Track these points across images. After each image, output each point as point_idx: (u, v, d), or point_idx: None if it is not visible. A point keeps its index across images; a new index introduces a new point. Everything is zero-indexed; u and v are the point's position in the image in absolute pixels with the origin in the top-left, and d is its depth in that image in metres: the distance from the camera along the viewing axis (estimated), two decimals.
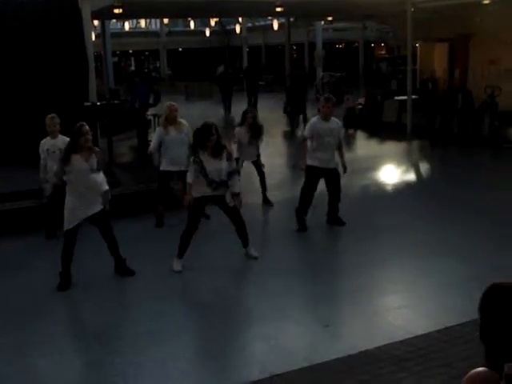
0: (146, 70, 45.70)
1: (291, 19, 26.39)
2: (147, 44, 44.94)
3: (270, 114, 23.94)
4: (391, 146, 17.43)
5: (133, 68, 49.24)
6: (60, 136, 8.93)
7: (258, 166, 10.89)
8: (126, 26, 36.60)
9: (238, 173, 8.51)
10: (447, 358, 5.42)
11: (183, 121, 9.97)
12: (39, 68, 11.92)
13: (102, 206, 7.43)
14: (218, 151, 7.67)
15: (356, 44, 41.00)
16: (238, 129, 10.79)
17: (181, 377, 5.41)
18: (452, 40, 20.22)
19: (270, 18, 32.70)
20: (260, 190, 10.96)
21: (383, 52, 38.68)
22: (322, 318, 6.39)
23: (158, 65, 48.87)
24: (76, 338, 6.56)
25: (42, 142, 9.14)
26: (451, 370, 5.20)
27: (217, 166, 7.65)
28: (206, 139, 7.62)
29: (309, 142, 9.33)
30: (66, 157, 7.30)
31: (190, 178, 7.79)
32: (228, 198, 7.81)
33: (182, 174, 8.80)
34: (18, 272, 8.06)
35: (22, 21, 11.89)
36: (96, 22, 26.53)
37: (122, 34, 38.62)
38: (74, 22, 12.38)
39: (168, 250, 8.23)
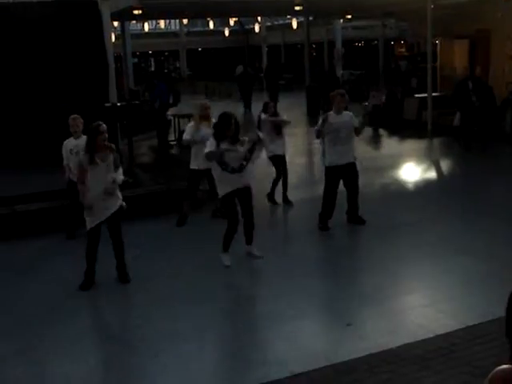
0: (166, 71, 45.86)
1: (310, 18, 26.33)
2: (167, 44, 45.13)
3: (291, 112, 23.94)
4: (412, 144, 17.35)
5: (152, 69, 49.43)
6: (83, 136, 8.98)
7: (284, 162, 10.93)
8: (146, 26, 36.74)
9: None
10: (469, 357, 5.39)
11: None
12: (60, 70, 12.03)
13: (118, 206, 7.43)
14: (236, 138, 7.77)
15: (375, 42, 40.81)
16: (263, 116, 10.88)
17: (202, 376, 5.44)
18: (472, 36, 20.07)
19: (289, 16, 32.70)
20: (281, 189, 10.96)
21: (403, 50, 38.46)
22: (343, 317, 6.38)
23: (177, 65, 49.04)
24: (97, 338, 6.61)
25: (65, 142, 9.19)
26: (474, 369, 5.17)
27: (236, 154, 7.72)
28: (227, 129, 7.71)
29: (325, 139, 9.32)
30: (91, 157, 7.27)
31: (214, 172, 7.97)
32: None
33: (210, 173, 8.84)
34: (38, 272, 8.13)
35: (42, 23, 12.00)
36: (116, 23, 26.68)
37: (141, 34, 38.80)
38: (94, 23, 12.48)
39: (188, 249, 8.25)
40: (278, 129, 10.76)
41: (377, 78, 34.35)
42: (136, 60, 42.98)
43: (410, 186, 12.63)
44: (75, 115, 9.19)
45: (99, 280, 7.55)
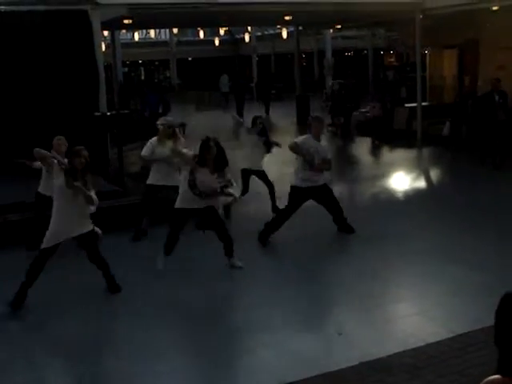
0: (156, 80, 45.88)
1: (300, 28, 26.44)
2: (157, 54, 45.13)
3: (281, 121, 24.05)
4: (402, 154, 17.43)
5: (143, 78, 49.43)
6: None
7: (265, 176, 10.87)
8: (136, 36, 36.75)
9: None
10: (460, 366, 5.39)
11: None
12: (50, 79, 12.01)
13: (88, 229, 7.28)
14: (219, 168, 7.76)
15: (365, 52, 41.00)
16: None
17: None
18: (461, 46, 20.19)
19: (278, 26, 32.78)
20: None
21: (392, 59, 38.65)
22: (334, 326, 6.38)
23: (167, 74, 49.04)
24: (89, 347, 6.56)
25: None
26: (464, 377, 5.18)
27: (209, 183, 7.70)
28: (206, 151, 7.69)
29: (297, 160, 9.19)
30: (68, 180, 7.03)
31: None
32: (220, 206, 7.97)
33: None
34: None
35: (32, 32, 11.98)
36: (106, 33, 26.66)
37: (131, 44, 38.83)
38: (84, 32, 12.47)
39: (181, 260, 8.23)
40: (267, 146, 10.69)
41: (366, 87, 34.46)
42: (126, 69, 42.99)
43: (400, 195, 12.68)
44: (60, 136, 9.03)
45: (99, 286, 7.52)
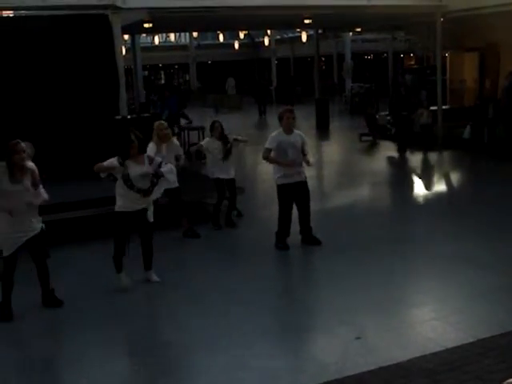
0: (176, 84, 46.08)
1: (320, 31, 26.42)
2: (177, 57, 45.37)
3: (302, 124, 24.03)
4: (422, 157, 17.32)
5: (163, 81, 49.69)
6: None
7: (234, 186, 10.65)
8: (156, 39, 36.93)
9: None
10: (480, 371, 5.35)
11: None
12: (71, 83, 12.09)
13: (38, 230, 7.10)
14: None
15: (385, 55, 40.85)
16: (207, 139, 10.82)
17: None
18: (482, 49, 20.07)
19: (298, 30, 32.81)
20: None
21: (412, 62, 38.47)
22: (353, 330, 6.36)
23: (187, 78, 49.24)
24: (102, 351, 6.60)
25: None
26: (484, 382, 5.14)
27: (141, 171, 7.58)
28: (129, 146, 7.57)
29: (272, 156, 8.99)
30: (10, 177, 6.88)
31: None
32: (149, 213, 7.79)
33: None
34: None
35: (53, 36, 12.07)
36: (126, 37, 26.84)
37: (151, 47, 39.04)
38: (104, 36, 12.55)
39: (198, 259, 8.22)
40: (226, 153, 10.48)
41: (386, 91, 34.34)
42: (146, 73, 43.21)
43: (421, 198, 12.64)
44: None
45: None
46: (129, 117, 14.43)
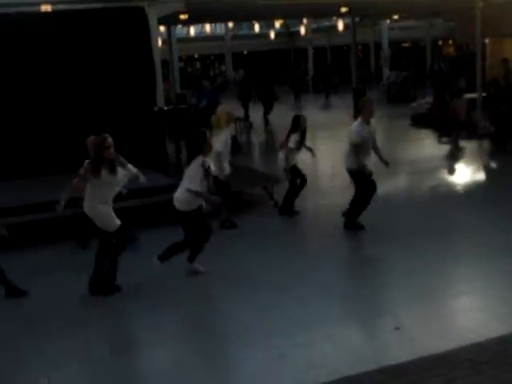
0: (212, 74, 46.17)
1: (356, 19, 26.21)
2: (212, 48, 45.43)
3: (340, 113, 23.95)
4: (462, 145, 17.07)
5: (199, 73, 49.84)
6: None
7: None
8: (192, 31, 37.03)
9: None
10: None
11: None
12: (108, 76, 12.18)
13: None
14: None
15: (423, 42, 40.37)
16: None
17: (252, 378, 5.45)
18: None
19: (334, 18, 32.60)
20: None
21: (451, 50, 37.96)
22: (392, 320, 6.31)
23: (223, 69, 49.31)
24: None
25: None
26: None
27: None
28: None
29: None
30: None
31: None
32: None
33: None
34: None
35: (89, 29, 12.16)
36: (162, 28, 26.98)
37: (187, 39, 39.17)
38: (141, 29, 12.60)
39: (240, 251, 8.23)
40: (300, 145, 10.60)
41: (424, 79, 33.97)
42: (182, 64, 43.36)
43: (461, 188, 12.47)
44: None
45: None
46: (166, 108, 14.51)
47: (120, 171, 7.44)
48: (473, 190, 12.26)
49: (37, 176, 11.14)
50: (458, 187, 12.55)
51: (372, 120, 9.41)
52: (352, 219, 9.42)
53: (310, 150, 10.97)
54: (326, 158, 14.64)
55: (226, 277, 7.85)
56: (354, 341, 6.01)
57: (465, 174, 14.02)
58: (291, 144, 10.34)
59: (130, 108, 12.21)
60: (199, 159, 7.61)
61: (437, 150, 16.73)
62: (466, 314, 6.45)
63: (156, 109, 13.14)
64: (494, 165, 14.75)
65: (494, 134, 16.20)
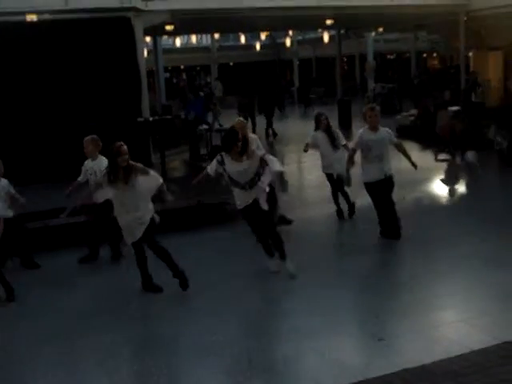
0: (198, 85, 46.15)
1: (342, 31, 26.36)
2: (198, 59, 45.43)
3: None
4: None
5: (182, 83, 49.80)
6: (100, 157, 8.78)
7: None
8: (178, 41, 37.03)
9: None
10: (506, 374, 5.28)
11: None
12: (93, 85, 12.18)
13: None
14: (242, 152, 7.61)
15: (408, 54, 40.61)
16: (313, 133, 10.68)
17: None
18: (506, 48, 19.88)
19: (320, 30, 32.76)
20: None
21: (436, 62, 38.22)
22: (376, 332, 6.31)
23: (208, 80, 49.31)
24: (128, 348, 6.62)
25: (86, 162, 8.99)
26: None
27: (239, 168, 7.63)
28: (234, 144, 7.59)
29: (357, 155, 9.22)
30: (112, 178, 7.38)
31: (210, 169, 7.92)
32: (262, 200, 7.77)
33: None
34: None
35: (77, 40, 12.17)
36: (148, 39, 26.97)
37: (173, 49, 39.12)
38: (127, 39, 12.62)
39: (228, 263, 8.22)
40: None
41: (409, 91, 34.13)
42: (168, 75, 43.30)
43: (443, 200, 12.52)
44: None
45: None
46: (151, 119, 14.51)
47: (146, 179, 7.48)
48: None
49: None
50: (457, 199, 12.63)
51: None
52: (382, 227, 9.40)
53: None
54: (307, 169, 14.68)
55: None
56: (338, 353, 6.00)
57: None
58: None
59: (115, 118, 12.21)
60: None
61: (423, 162, 16.76)
62: (449, 325, 6.47)
63: (141, 119, 13.13)
64: None
65: (508, 149, 15.54)
